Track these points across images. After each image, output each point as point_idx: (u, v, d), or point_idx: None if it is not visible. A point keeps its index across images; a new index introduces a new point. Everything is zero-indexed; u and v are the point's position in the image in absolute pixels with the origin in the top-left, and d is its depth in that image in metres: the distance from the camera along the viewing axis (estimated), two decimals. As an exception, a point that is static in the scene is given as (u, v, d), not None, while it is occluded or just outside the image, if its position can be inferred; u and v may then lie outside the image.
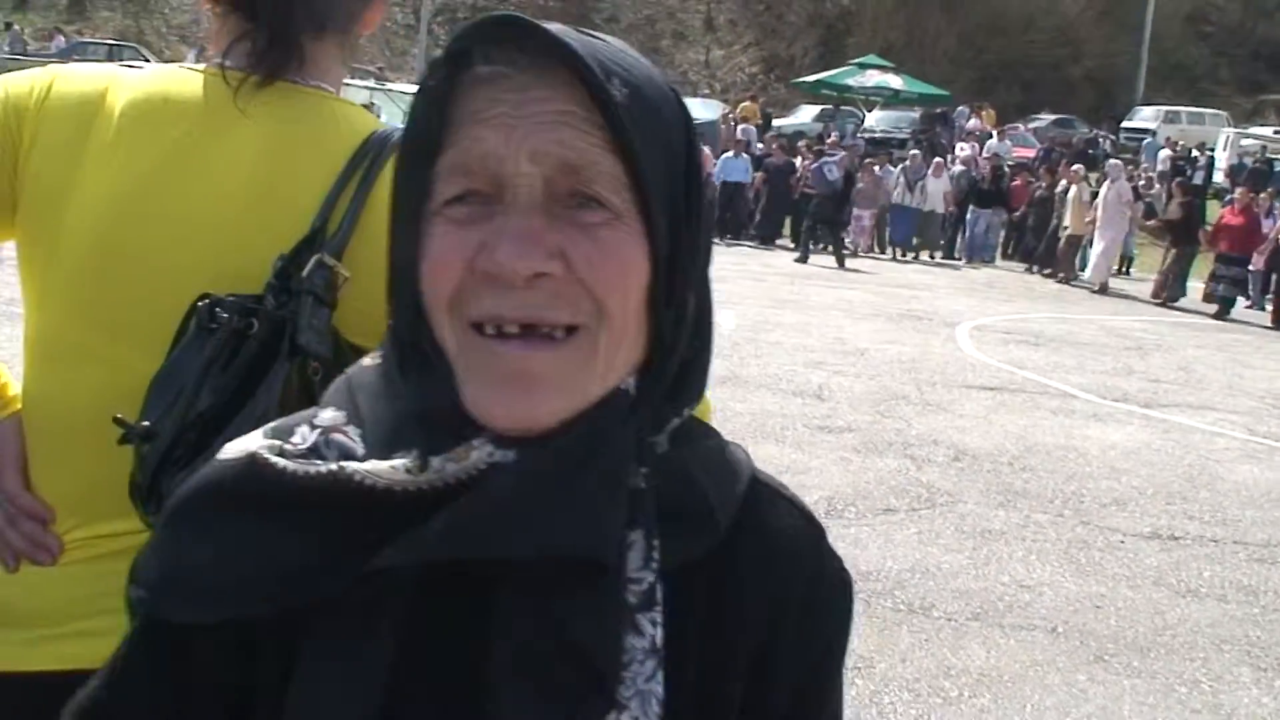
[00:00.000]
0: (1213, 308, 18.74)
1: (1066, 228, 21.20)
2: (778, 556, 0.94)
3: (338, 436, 0.88)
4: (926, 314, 15.44)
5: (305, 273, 1.36)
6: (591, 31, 0.88)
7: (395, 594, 0.83)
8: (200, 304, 1.35)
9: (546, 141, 0.81)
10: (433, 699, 0.84)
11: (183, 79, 1.47)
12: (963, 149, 28.54)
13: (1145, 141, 34.74)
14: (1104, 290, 20.16)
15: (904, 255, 23.49)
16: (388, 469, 0.83)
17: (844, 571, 0.99)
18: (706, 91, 40.50)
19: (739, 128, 28.66)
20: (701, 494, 0.90)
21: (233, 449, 0.89)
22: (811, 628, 0.95)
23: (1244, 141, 34.04)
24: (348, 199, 1.41)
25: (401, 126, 0.95)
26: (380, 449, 0.86)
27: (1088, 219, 20.59)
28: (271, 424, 0.92)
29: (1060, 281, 20.99)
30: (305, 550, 0.82)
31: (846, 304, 15.58)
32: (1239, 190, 20.36)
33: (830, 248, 21.25)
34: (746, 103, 33.82)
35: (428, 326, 0.87)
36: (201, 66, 1.49)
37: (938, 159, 25.27)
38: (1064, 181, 22.15)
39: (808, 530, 0.98)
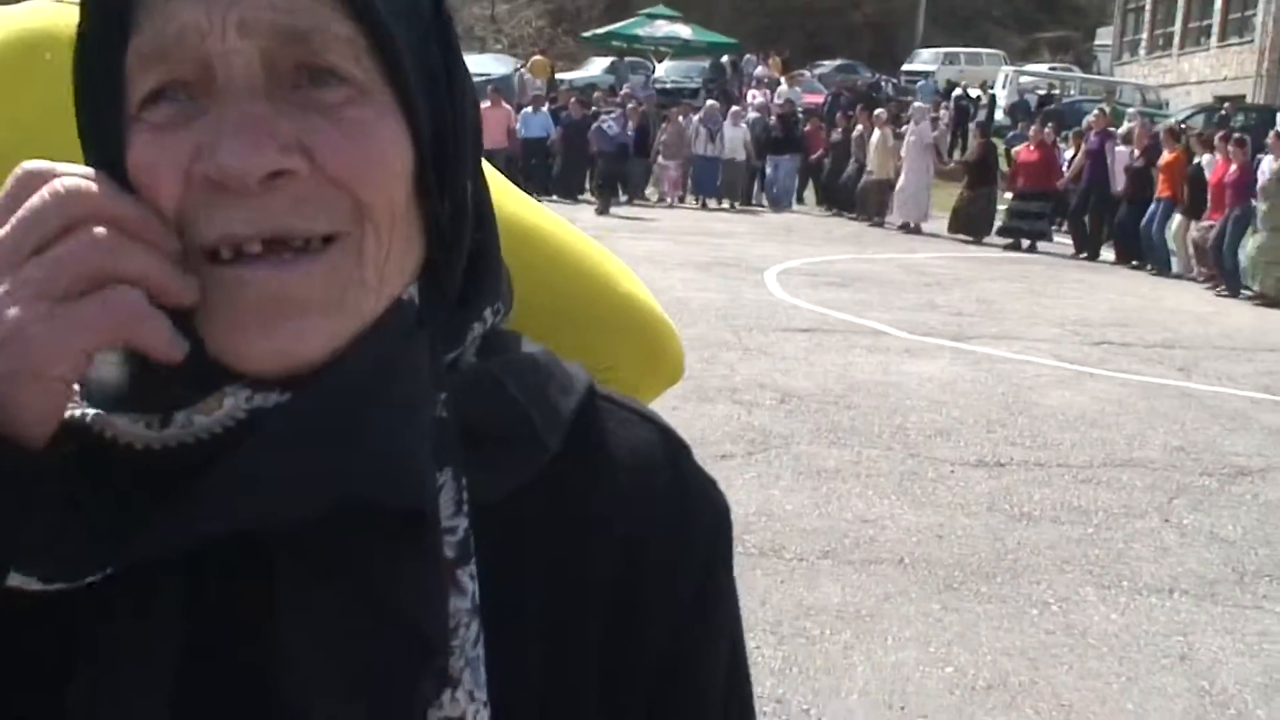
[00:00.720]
0: (1006, 241, 19.44)
1: (871, 172, 21.67)
2: (626, 477, 0.77)
3: None
4: (733, 261, 15.56)
5: None
6: None
7: (170, 574, 0.65)
8: None
9: (258, 7, 0.64)
10: (223, 689, 0.67)
11: (55, 12, 1.23)
12: (754, 96, 28.86)
13: (919, 84, 35.55)
14: (919, 230, 20.68)
15: (713, 204, 23.55)
16: (126, 422, 0.66)
17: (716, 493, 0.82)
18: (498, 47, 40.01)
19: (525, 77, 28.51)
20: (519, 411, 0.73)
21: None
22: (680, 557, 0.78)
23: (1023, 79, 35.31)
24: None
25: None
26: (110, 407, 0.67)
27: (895, 163, 21.12)
28: None
29: (866, 223, 21.47)
30: (59, 517, 0.63)
31: (655, 255, 15.55)
32: (1033, 128, 21.07)
33: (627, 199, 21.25)
34: (537, 57, 33.55)
35: None
36: None
37: (735, 108, 25.44)
38: (860, 126, 22.61)
39: (664, 446, 0.80)
